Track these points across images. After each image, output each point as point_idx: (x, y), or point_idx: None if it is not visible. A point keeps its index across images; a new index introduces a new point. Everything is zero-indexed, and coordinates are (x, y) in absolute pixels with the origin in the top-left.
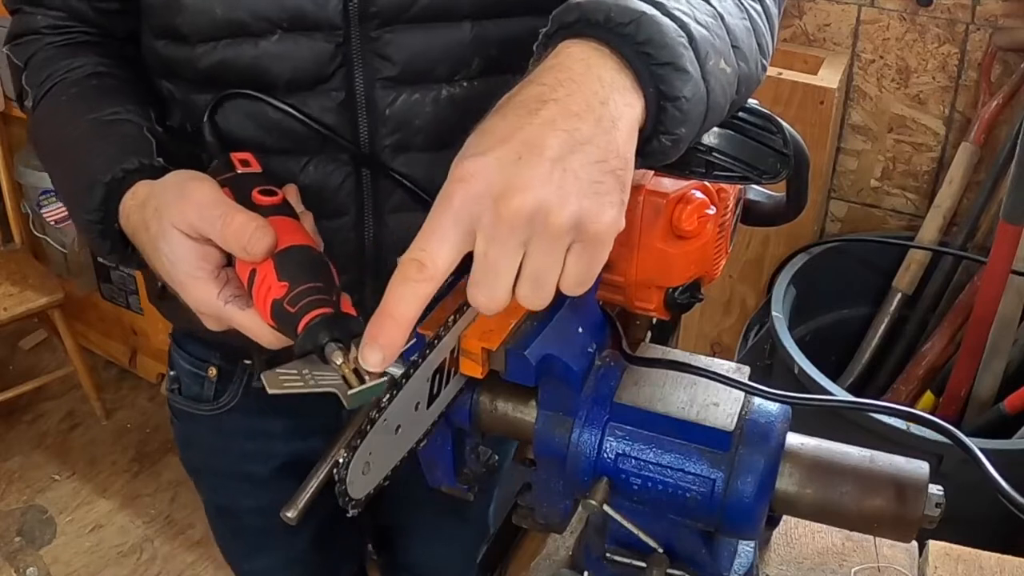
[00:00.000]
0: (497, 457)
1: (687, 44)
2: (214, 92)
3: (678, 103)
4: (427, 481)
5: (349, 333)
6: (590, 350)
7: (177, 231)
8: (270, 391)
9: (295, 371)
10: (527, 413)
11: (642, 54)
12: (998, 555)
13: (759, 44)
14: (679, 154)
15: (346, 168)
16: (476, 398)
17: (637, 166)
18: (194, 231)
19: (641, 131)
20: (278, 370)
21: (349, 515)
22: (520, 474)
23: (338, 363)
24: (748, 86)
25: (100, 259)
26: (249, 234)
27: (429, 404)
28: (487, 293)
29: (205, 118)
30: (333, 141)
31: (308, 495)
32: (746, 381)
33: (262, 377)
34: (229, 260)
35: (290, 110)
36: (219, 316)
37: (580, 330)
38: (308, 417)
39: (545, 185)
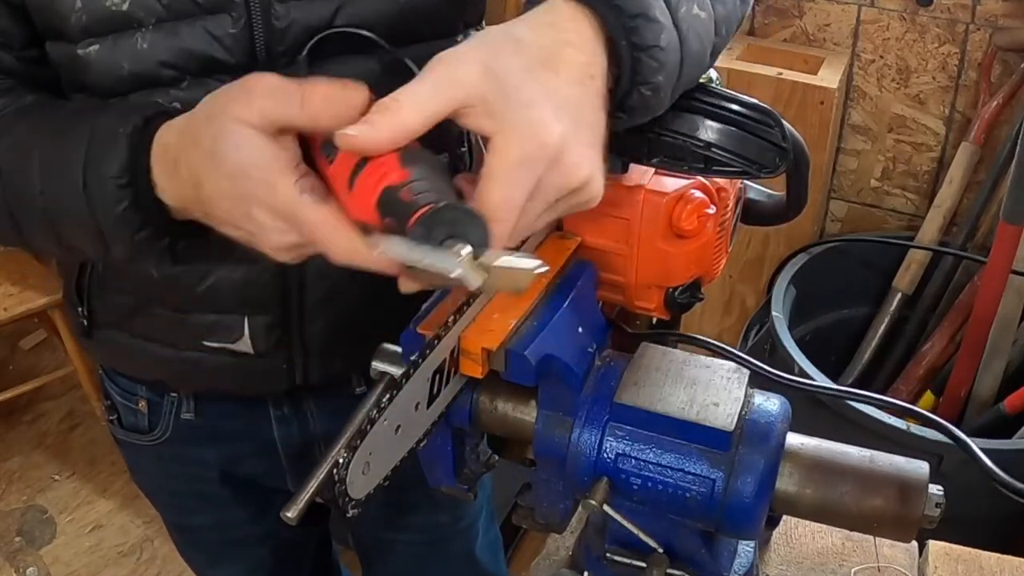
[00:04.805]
0: (497, 457)
1: None
2: None
3: (651, 51)
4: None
5: (483, 230)
6: (590, 350)
7: (244, 127)
8: (388, 255)
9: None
10: (527, 413)
11: (614, 7)
12: (998, 555)
13: None
14: (662, 107)
15: None
16: (476, 398)
17: (623, 124)
18: (266, 120)
19: (620, 85)
20: (396, 239)
21: (349, 515)
22: (520, 474)
23: (463, 254)
24: (728, 26)
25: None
26: (339, 93)
27: (429, 404)
28: (502, 193)
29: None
30: None
31: (308, 495)
32: (751, 359)
33: (381, 243)
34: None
35: None
36: (294, 215)
37: (580, 330)
38: (239, 443)
39: (594, 161)
